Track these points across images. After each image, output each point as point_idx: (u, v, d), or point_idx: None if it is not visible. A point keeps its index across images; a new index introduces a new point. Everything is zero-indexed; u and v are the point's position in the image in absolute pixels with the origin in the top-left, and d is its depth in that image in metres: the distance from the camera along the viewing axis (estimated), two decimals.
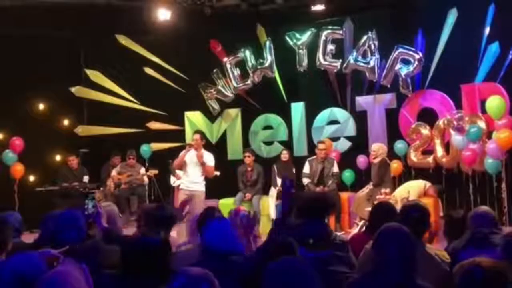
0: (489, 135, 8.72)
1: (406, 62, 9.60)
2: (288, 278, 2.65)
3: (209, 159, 8.55)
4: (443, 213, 8.76)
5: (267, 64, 10.70)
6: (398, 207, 7.35)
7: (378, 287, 2.83)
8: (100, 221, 4.20)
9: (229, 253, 3.54)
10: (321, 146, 9.80)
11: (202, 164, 8.40)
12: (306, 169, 9.83)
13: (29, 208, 8.62)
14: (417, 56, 9.47)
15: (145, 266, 3.16)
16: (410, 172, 9.80)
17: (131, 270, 3.21)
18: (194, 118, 11.80)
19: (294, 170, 9.94)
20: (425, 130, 9.66)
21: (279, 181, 9.81)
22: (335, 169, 9.73)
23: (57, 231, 3.83)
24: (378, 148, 9.40)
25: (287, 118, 11.21)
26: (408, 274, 2.83)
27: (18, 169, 10.42)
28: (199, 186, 8.54)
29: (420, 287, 2.81)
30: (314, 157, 9.88)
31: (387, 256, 2.86)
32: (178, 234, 7.55)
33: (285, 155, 10.10)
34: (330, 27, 10.27)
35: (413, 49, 9.60)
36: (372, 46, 9.81)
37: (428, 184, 9.02)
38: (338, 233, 7.32)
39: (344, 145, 10.68)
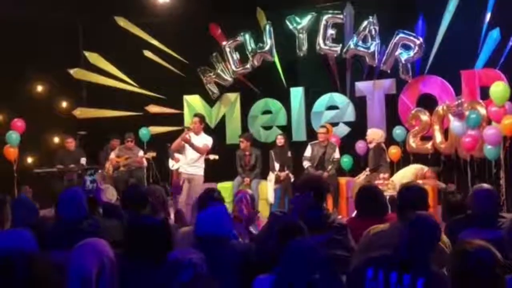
0: (489, 121, 8.72)
1: (406, 47, 9.56)
2: (309, 256, 2.70)
3: (206, 139, 8.56)
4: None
5: (266, 48, 10.64)
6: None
7: (393, 268, 2.85)
8: (100, 196, 4.21)
9: (220, 239, 3.53)
10: (321, 130, 9.79)
11: (191, 145, 8.36)
12: (308, 152, 9.81)
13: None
14: (417, 42, 9.43)
15: (146, 245, 3.17)
16: (408, 158, 9.80)
17: (133, 249, 3.23)
18: (193, 102, 11.78)
19: (290, 154, 9.93)
20: (424, 116, 9.65)
21: (277, 166, 9.82)
22: (337, 155, 9.72)
23: (58, 209, 3.85)
24: (372, 133, 9.41)
25: (286, 103, 11.18)
26: (424, 261, 2.87)
27: (11, 151, 10.37)
28: (198, 169, 8.54)
29: (436, 276, 2.82)
30: (317, 141, 9.86)
31: (403, 241, 2.91)
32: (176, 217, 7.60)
33: (280, 140, 10.07)
34: (330, 11, 10.19)
35: (413, 34, 9.55)
36: (373, 31, 9.75)
37: (426, 168, 9.04)
38: (337, 217, 7.38)
39: (343, 130, 10.67)
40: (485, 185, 4.17)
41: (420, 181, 8.30)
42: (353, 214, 5.51)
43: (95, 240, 2.98)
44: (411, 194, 3.80)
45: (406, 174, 8.87)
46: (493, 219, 3.81)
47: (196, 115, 8.93)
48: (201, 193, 4.73)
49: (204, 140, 8.53)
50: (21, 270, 2.13)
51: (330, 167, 9.55)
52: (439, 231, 3.03)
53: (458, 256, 2.65)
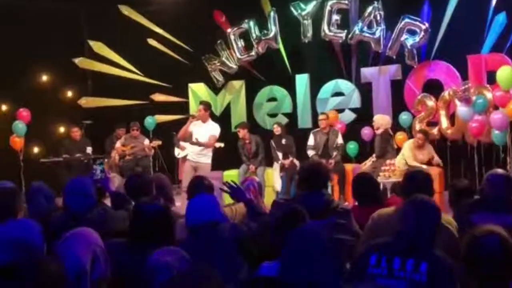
0: (496, 106, 8.66)
1: (412, 32, 9.49)
2: (313, 242, 2.69)
3: (213, 128, 8.55)
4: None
5: (271, 35, 10.60)
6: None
7: (396, 254, 2.85)
8: (108, 186, 4.21)
9: (211, 225, 3.55)
10: (321, 116, 9.80)
11: (198, 144, 8.38)
12: (311, 141, 9.82)
13: (33, 179, 8.64)
14: (423, 27, 9.36)
15: (143, 232, 3.17)
16: None
17: (135, 236, 3.23)
18: (198, 90, 11.76)
19: (285, 142, 9.91)
20: (430, 102, 9.60)
21: (280, 154, 9.84)
22: (340, 140, 9.71)
23: (65, 199, 3.85)
24: (378, 119, 9.38)
25: (292, 90, 11.14)
26: (427, 245, 2.86)
27: (17, 141, 10.39)
28: (205, 158, 8.54)
29: (439, 260, 2.81)
30: (318, 129, 9.86)
31: (415, 227, 2.89)
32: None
33: (276, 129, 10.09)
34: None
35: (419, 19, 9.49)
36: (378, 17, 9.68)
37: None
38: (343, 203, 7.39)
39: (348, 117, 10.64)
40: (500, 170, 4.15)
41: (424, 166, 8.34)
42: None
43: (85, 230, 2.96)
44: (416, 180, 3.81)
45: (405, 154, 8.87)
46: (507, 204, 3.78)
47: (201, 102, 8.93)
48: (190, 181, 4.71)
49: (211, 130, 8.51)
50: (28, 275, 2.12)
51: (335, 153, 9.54)
52: (439, 213, 3.00)
53: (468, 242, 2.64)
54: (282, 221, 3.34)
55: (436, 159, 8.98)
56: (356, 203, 4.86)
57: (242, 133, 10.06)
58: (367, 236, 3.72)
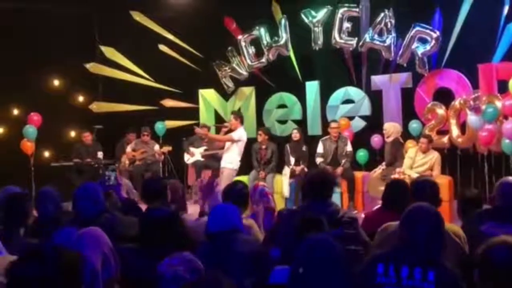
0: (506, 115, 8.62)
1: (423, 41, 9.47)
2: (323, 252, 2.70)
3: (235, 132, 8.80)
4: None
5: (282, 42, 10.61)
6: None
7: (404, 262, 2.83)
8: (120, 191, 4.24)
9: (228, 233, 3.57)
10: (334, 124, 9.80)
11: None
12: (320, 148, 9.81)
13: (44, 183, 8.70)
14: (434, 35, 9.34)
15: (156, 237, 3.19)
16: None
17: (145, 241, 3.25)
18: (208, 96, 11.80)
19: (305, 149, 9.91)
20: (440, 110, 9.57)
21: (292, 160, 9.82)
22: (349, 148, 9.70)
23: (75, 204, 3.87)
24: (389, 127, 9.37)
25: (302, 97, 11.15)
26: (434, 254, 2.84)
27: (28, 145, 10.46)
28: (224, 163, 8.75)
29: (446, 269, 2.80)
30: (327, 136, 9.85)
31: (415, 234, 2.86)
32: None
33: (295, 135, 10.04)
34: (346, 4, 10.11)
35: (430, 27, 9.46)
36: (389, 25, 9.67)
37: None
38: (353, 211, 7.37)
39: (358, 124, 10.63)
40: (511, 179, 4.11)
41: (429, 172, 8.31)
42: (375, 208, 5.46)
43: (94, 230, 2.98)
44: (422, 188, 3.79)
45: (405, 162, 8.81)
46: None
47: (232, 112, 9.33)
48: (226, 186, 4.78)
49: (233, 132, 8.81)
50: (51, 260, 2.13)
51: (344, 161, 9.53)
52: (440, 218, 2.98)
53: (479, 253, 2.63)
54: (302, 228, 3.35)
55: (434, 173, 8.74)
56: (379, 206, 4.78)
57: (262, 137, 10.01)
58: (376, 248, 3.69)
